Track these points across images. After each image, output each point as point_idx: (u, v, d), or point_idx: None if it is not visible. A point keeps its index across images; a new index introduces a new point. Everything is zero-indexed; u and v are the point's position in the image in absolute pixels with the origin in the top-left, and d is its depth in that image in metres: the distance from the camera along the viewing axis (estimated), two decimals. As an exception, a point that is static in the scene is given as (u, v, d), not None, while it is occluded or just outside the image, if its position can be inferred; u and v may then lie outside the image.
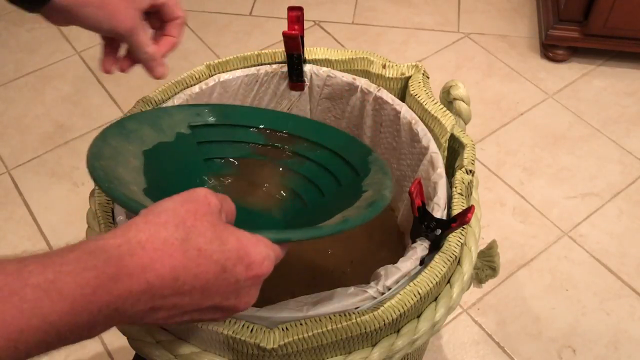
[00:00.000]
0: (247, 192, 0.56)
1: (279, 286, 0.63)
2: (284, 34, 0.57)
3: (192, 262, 0.31)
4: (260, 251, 0.34)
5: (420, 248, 0.47)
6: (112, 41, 0.50)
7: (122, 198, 0.39)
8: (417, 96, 0.58)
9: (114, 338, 0.90)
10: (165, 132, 0.52)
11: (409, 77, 0.60)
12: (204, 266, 0.31)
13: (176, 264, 0.30)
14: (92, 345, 0.90)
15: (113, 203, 0.51)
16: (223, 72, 0.61)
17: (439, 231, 0.47)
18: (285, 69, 0.62)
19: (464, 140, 0.54)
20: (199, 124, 0.55)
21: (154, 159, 0.48)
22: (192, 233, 0.31)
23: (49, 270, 0.28)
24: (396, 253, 0.51)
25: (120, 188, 0.40)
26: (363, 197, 0.46)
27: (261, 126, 0.57)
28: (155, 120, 0.52)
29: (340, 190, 0.52)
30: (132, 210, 0.37)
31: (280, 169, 0.56)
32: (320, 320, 0.43)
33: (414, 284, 0.45)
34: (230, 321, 0.43)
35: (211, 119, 0.56)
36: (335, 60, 0.62)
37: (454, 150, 0.56)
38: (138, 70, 0.53)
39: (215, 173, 0.56)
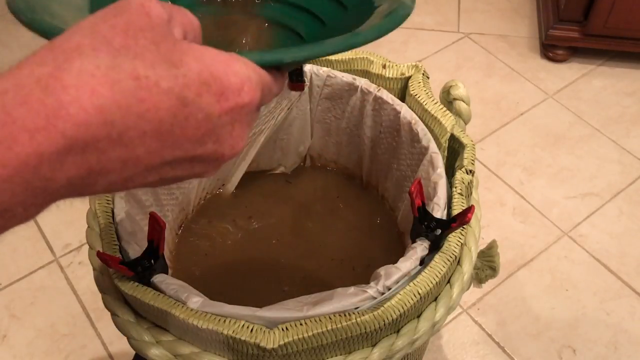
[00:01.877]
0: (222, 39, 0.44)
1: (277, 286, 0.63)
2: (284, 34, 0.57)
3: (130, 97, 0.22)
4: (236, 72, 0.25)
5: (420, 248, 0.47)
6: None
7: (46, 25, 0.29)
8: (417, 96, 0.58)
9: (114, 338, 0.90)
10: None
11: (409, 77, 0.60)
12: (150, 101, 0.22)
13: (104, 103, 0.21)
14: (92, 345, 0.90)
15: (113, 203, 0.51)
16: None
17: (439, 231, 0.47)
18: (285, 69, 0.62)
19: (464, 140, 0.54)
20: None
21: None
22: (123, 56, 0.22)
23: None
24: (396, 253, 0.51)
25: (53, 21, 0.30)
26: (376, 13, 0.37)
27: None
28: None
29: (347, 15, 0.41)
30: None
31: (256, 19, 0.45)
32: (320, 320, 0.43)
33: (414, 284, 0.45)
34: (230, 321, 0.43)
35: None
36: (335, 60, 0.62)
37: (454, 150, 0.56)
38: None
39: None
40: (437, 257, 0.47)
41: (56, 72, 0.21)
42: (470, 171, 0.53)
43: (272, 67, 0.28)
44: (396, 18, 0.34)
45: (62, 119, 0.20)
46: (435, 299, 0.49)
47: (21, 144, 0.20)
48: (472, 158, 0.54)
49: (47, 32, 0.28)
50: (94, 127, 0.21)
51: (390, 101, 0.59)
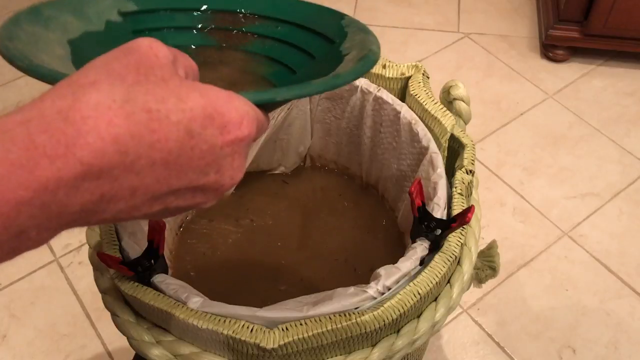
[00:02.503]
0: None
1: (277, 286, 0.63)
2: (284, 34, 0.57)
3: (143, 128, 0.23)
4: (236, 107, 0.27)
5: (420, 248, 0.47)
6: None
7: (50, 72, 0.31)
8: (417, 96, 0.58)
9: (114, 338, 0.90)
10: (91, 20, 0.43)
11: (409, 77, 0.60)
12: (161, 132, 0.24)
13: (119, 133, 0.23)
14: (92, 345, 0.90)
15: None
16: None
17: (439, 231, 0.47)
18: (285, 69, 0.62)
19: (464, 140, 0.54)
20: (130, 11, 0.46)
21: (83, 49, 0.41)
22: (136, 91, 0.24)
23: None
24: (396, 253, 0.50)
25: (44, 64, 0.33)
26: (346, 60, 0.40)
27: (205, 7, 0.48)
28: (76, 6, 0.43)
29: (315, 64, 0.45)
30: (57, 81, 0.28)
31: (238, 53, 0.48)
32: (320, 320, 0.43)
33: (414, 284, 0.45)
34: (230, 321, 0.43)
35: (145, 4, 0.47)
36: (335, 60, 0.62)
37: (454, 150, 0.56)
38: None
39: None
40: (437, 257, 0.47)
41: (76, 104, 0.22)
42: (470, 171, 0.53)
43: (263, 105, 0.30)
44: (369, 62, 0.38)
45: (81, 146, 0.22)
46: (435, 299, 0.49)
47: (42, 168, 0.21)
48: (472, 158, 0.54)
49: (48, 77, 0.31)
50: (109, 155, 0.23)
51: (390, 101, 0.59)
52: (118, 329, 0.48)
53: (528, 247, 1.01)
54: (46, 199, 0.22)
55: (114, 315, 0.48)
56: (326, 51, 0.45)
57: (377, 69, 0.61)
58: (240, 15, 0.49)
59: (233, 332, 0.42)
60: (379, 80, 0.61)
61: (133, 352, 0.55)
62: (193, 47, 0.48)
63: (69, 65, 0.37)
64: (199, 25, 0.49)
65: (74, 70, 0.31)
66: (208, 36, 0.48)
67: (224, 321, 0.43)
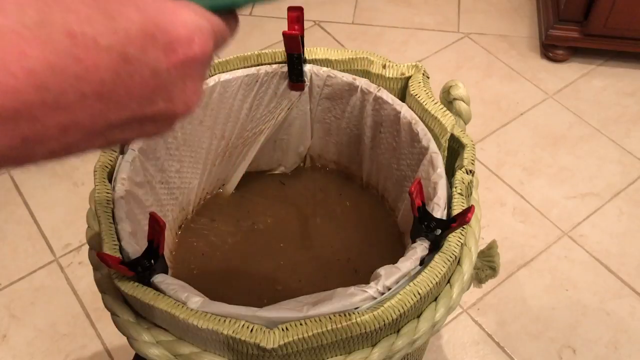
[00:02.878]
0: None
1: (276, 286, 0.63)
2: (284, 34, 0.57)
3: (65, 57, 0.19)
4: (184, 21, 0.22)
5: (420, 248, 0.47)
6: None
7: None
8: (417, 96, 0.58)
9: (114, 338, 0.90)
10: None
11: (409, 77, 0.60)
12: (88, 59, 0.20)
13: (34, 66, 0.18)
14: (92, 345, 0.90)
15: (113, 203, 0.51)
16: (223, 72, 0.61)
17: (439, 231, 0.47)
18: (285, 69, 0.62)
19: (464, 140, 0.54)
20: None
21: None
22: (54, 10, 0.19)
23: None
24: (396, 253, 0.50)
25: None
26: None
27: None
28: None
29: None
30: None
31: None
32: (320, 320, 0.43)
33: (414, 284, 0.45)
34: (230, 321, 0.43)
35: None
36: (335, 60, 0.62)
37: (454, 150, 0.56)
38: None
39: None
40: (437, 257, 0.47)
41: None
42: (470, 171, 0.53)
43: (224, 11, 0.25)
44: None
45: None
46: (435, 299, 0.49)
47: None
48: (472, 158, 0.54)
49: None
50: (25, 94, 0.19)
51: (390, 101, 0.59)
52: (118, 329, 0.48)
53: (528, 247, 1.01)
54: None
55: (114, 315, 0.48)
56: None
57: (377, 69, 0.61)
58: None
59: (233, 332, 0.42)
60: (379, 80, 0.61)
61: (133, 352, 0.55)
62: None
63: None
64: None
65: None
66: None
67: (224, 321, 0.43)
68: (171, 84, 0.23)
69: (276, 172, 0.74)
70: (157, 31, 0.21)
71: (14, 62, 0.18)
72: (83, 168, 1.14)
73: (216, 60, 0.61)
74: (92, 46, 0.20)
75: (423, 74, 0.60)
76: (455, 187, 0.51)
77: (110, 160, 0.54)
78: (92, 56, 0.20)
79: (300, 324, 0.43)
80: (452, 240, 0.48)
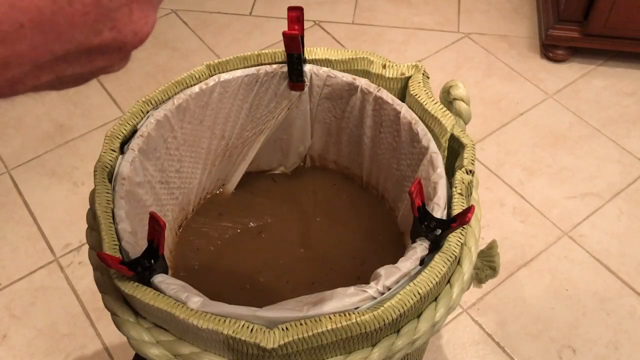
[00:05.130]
0: None
1: (276, 286, 0.63)
2: (284, 34, 0.57)
3: None
4: None
5: (420, 248, 0.47)
6: None
7: None
8: (417, 96, 0.58)
9: (114, 338, 0.90)
10: None
11: (409, 77, 0.60)
12: None
13: None
14: (92, 345, 0.90)
15: (113, 203, 0.51)
16: (223, 72, 0.61)
17: (439, 231, 0.47)
18: (285, 69, 0.62)
19: (464, 140, 0.54)
20: None
21: None
22: None
23: None
24: (396, 253, 0.51)
25: None
26: None
27: None
28: None
29: None
30: None
31: None
32: (320, 320, 0.43)
33: (414, 284, 0.45)
34: (230, 321, 0.43)
35: None
36: (335, 60, 0.62)
37: (454, 150, 0.56)
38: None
39: None
40: (437, 257, 0.47)
41: None
42: (470, 171, 0.53)
43: None
44: None
45: None
46: (435, 299, 0.49)
47: None
48: (472, 158, 0.54)
49: None
50: None
51: (390, 101, 0.59)
52: (118, 329, 0.48)
53: (528, 247, 1.01)
54: None
55: (114, 315, 0.48)
56: None
57: (377, 69, 0.61)
58: None
59: (233, 332, 0.42)
60: (379, 80, 0.61)
61: (133, 352, 0.55)
62: None
63: None
64: None
65: None
66: None
67: (224, 321, 0.43)
68: (115, 11, 0.22)
69: (276, 172, 0.74)
70: None
71: None
72: (83, 168, 1.14)
73: (216, 61, 0.61)
74: None
75: (423, 74, 0.60)
76: (455, 187, 0.51)
77: (110, 160, 0.54)
78: None
79: (300, 324, 0.43)
80: (452, 240, 0.48)
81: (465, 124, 0.58)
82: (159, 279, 0.46)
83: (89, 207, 0.53)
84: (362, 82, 0.61)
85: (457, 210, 0.50)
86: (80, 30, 0.21)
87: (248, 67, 0.62)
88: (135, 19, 0.23)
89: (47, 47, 0.21)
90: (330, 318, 0.43)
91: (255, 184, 0.72)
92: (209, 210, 0.70)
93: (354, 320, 0.43)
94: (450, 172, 0.55)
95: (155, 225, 0.44)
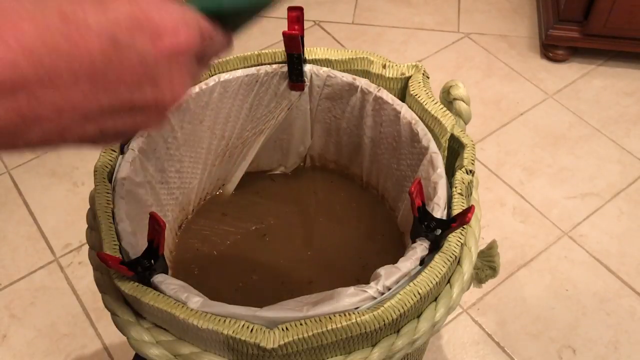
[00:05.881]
0: None
1: (276, 286, 0.63)
2: (284, 34, 0.57)
3: (59, 37, 0.20)
4: (169, 12, 0.24)
5: (420, 248, 0.47)
6: None
7: None
8: (417, 96, 0.58)
9: (114, 338, 0.90)
10: None
11: (409, 77, 0.60)
12: (81, 41, 0.21)
13: (29, 41, 0.20)
14: (92, 345, 0.90)
15: (113, 203, 0.51)
16: (223, 72, 0.61)
17: (439, 231, 0.47)
18: (285, 69, 0.62)
19: (464, 140, 0.54)
20: None
21: None
22: None
23: None
24: (396, 253, 0.51)
25: None
26: None
27: None
28: None
29: None
30: None
31: None
32: (320, 320, 0.43)
33: (414, 284, 0.45)
34: (230, 321, 0.43)
35: None
36: (335, 60, 0.62)
37: (454, 150, 0.56)
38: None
39: None
40: (437, 257, 0.47)
41: None
42: (470, 171, 0.53)
43: (214, 18, 0.27)
44: None
45: None
46: (435, 299, 0.49)
47: None
48: (472, 158, 0.54)
49: None
50: (22, 67, 0.20)
51: (390, 101, 0.59)
52: (118, 329, 0.48)
53: (528, 247, 1.01)
54: None
55: (114, 315, 0.48)
56: None
57: (377, 69, 0.61)
58: None
59: (233, 332, 0.42)
60: (379, 80, 0.61)
61: (133, 352, 0.55)
62: None
63: None
64: None
65: None
66: None
67: (224, 321, 0.43)
68: (158, 72, 0.24)
69: (276, 172, 0.74)
70: (145, 20, 0.23)
71: (11, 37, 0.19)
72: (83, 168, 1.14)
73: (216, 60, 0.61)
74: (83, 28, 0.21)
75: (423, 74, 0.60)
76: (455, 187, 0.51)
77: (110, 160, 0.54)
78: (83, 37, 0.21)
79: (300, 324, 0.43)
80: (452, 240, 0.48)
81: (465, 124, 0.58)
82: (159, 279, 0.46)
83: (89, 207, 0.53)
84: (362, 82, 0.61)
85: (457, 210, 0.50)
86: (126, 86, 0.23)
87: (248, 67, 0.62)
88: (174, 81, 0.25)
89: (96, 98, 0.23)
90: (330, 318, 0.43)
91: (255, 184, 0.72)
92: (209, 211, 0.70)
93: (354, 320, 0.43)
94: (450, 172, 0.55)
95: (155, 225, 0.44)
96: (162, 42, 0.23)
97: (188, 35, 0.24)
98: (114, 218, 0.50)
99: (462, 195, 0.51)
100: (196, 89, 0.59)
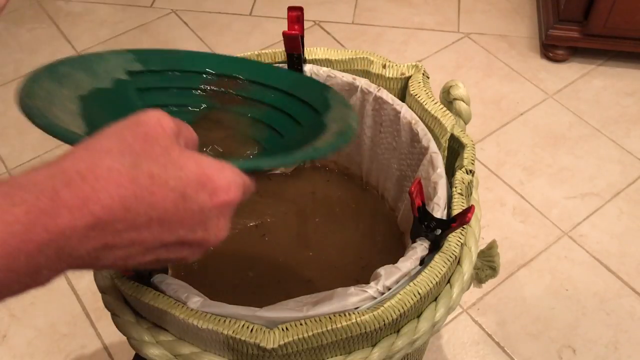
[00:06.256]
0: (201, 142, 0.51)
1: (276, 286, 0.63)
2: (284, 34, 0.57)
3: (145, 191, 0.28)
4: (225, 175, 0.31)
5: (420, 248, 0.47)
6: None
7: (62, 131, 0.36)
8: (417, 96, 0.58)
9: (114, 338, 0.90)
10: (101, 78, 0.48)
11: (409, 77, 0.60)
12: (160, 194, 0.28)
13: (126, 194, 0.27)
14: (92, 345, 0.90)
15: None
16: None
17: (439, 231, 0.47)
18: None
19: (464, 140, 0.54)
20: (136, 70, 0.51)
21: (92, 105, 0.45)
22: (142, 158, 0.28)
23: None
24: (396, 253, 0.51)
25: (59, 122, 0.38)
26: (328, 131, 0.44)
27: (206, 70, 0.54)
28: (88, 65, 0.48)
29: (301, 130, 0.49)
30: (73, 143, 0.34)
31: (232, 115, 0.53)
32: (320, 320, 0.43)
33: (414, 284, 0.45)
34: (230, 321, 0.43)
35: (150, 65, 0.52)
36: (335, 60, 0.62)
37: (454, 150, 0.56)
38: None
39: None
40: (437, 257, 0.47)
41: (92, 167, 0.27)
42: (470, 171, 0.53)
43: (250, 172, 0.34)
44: (346, 137, 0.42)
45: (94, 202, 0.26)
46: (435, 299, 0.49)
47: (62, 216, 0.26)
48: (472, 158, 0.54)
49: (62, 136, 0.36)
50: (116, 211, 0.27)
51: (390, 101, 0.59)
52: (118, 329, 0.48)
53: (528, 247, 1.01)
54: (61, 243, 0.26)
55: (114, 315, 0.48)
56: (312, 120, 0.49)
57: (377, 69, 0.61)
58: (238, 80, 0.54)
59: (233, 332, 0.42)
60: (379, 80, 0.61)
61: (133, 352, 0.55)
62: (190, 108, 0.52)
63: (78, 120, 0.42)
64: (199, 87, 0.53)
65: (83, 125, 0.41)
66: (206, 98, 0.53)
67: (224, 321, 0.43)
68: (210, 219, 0.31)
69: (276, 172, 0.74)
70: (207, 180, 0.30)
71: (113, 189, 0.27)
72: (83, 168, 1.14)
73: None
74: (164, 185, 0.28)
75: (423, 74, 0.60)
76: (455, 187, 0.51)
77: (110, 160, 0.54)
78: (162, 192, 0.28)
79: (300, 324, 0.43)
80: (452, 240, 0.48)
81: (465, 124, 0.58)
82: (158, 278, 0.46)
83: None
84: (362, 82, 0.61)
85: (457, 210, 0.50)
86: (184, 228, 0.30)
87: (248, 67, 0.62)
88: (220, 226, 0.32)
89: (160, 236, 0.29)
90: (330, 318, 0.43)
91: (255, 184, 0.72)
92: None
93: (354, 320, 0.43)
94: (450, 172, 0.55)
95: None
96: (217, 197, 0.30)
97: (236, 192, 0.31)
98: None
99: (462, 195, 0.51)
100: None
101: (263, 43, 1.37)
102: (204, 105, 0.53)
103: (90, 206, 0.26)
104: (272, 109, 0.52)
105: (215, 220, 0.31)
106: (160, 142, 0.29)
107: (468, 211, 0.44)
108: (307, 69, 0.62)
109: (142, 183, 0.27)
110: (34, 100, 0.39)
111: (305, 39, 0.60)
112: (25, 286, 0.26)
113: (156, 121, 0.30)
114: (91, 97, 0.46)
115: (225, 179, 0.31)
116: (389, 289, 0.45)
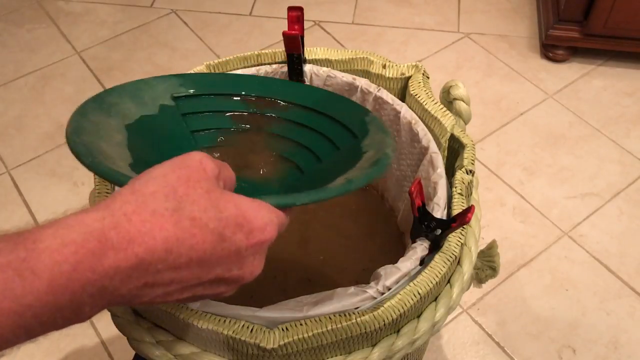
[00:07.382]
0: (240, 164, 0.53)
1: (276, 286, 0.63)
2: (284, 34, 0.57)
3: (186, 233, 0.29)
4: (262, 216, 0.32)
5: (420, 248, 0.47)
6: None
7: (108, 171, 0.37)
8: (417, 96, 0.58)
9: (114, 338, 0.90)
10: (147, 105, 0.49)
11: (409, 77, 0.60)
12: (200, 236, 0.29)
13: (168, 236, 0.28)
14: (92, 345, 0.90)
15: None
16: (223, 72, 0.61)
17: (439, 231, 0.47)
18: (285, 69, 0.62)
19: (464, 140, 0.54)
20: (182, 95, 0.52)
21: (138, 133, 0.46)
22: (185, 202, 0.30)
23: (21, 247, 0.26)
24: (396, 253, 0.51)
25: (105, 162, 0.39)
26: (364, 158, 0.44)
27: (247, 93, 0.55)
28: (135, 92, 0.49)
29: (339, 154, 0.50)
30: (119, 184, 0.35)
31: (272, 137, 0.54)
32: (320, 320, 0.43)
33: (414, 284, 0.45)
34: (230, 321, 0.43)
35: (194, 89, 0.53)
36: (335, 60, 0.62)
37: (454, 150, 0.56)
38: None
39: (204, 146, 0.53)
40: (437, 257, 0.47)
41: (138, 209, 0.28)
42: (470, 171, 0.53)
43: (284, 208, 0.35)
44: (381, 167, 0.41)
45: (138, 244, 0.28)
46: (435, 299, 0.49)
47: (108, 257, 0.27)
48: (472, 158, 0.54)
49: (108, 176, 0.37)
50: (158, 253, 0.28)
51: (390, 101, 0.59)
52: (118, 329, 0.48)
53: (528, 247, 1.01)
54: (105, 282, 0.27)
55: (113, 316, 0.48)
56: (349, 144, 0.49)
57: (377, 69, 0.61)
58: (277, 102, 0.55)
59: (233, 332, 0.42)
60: (379, 80, 0.61)
61: (133, 352, 0.55)
62: (231, 129, 0.54)
63: (125, 152, 0.43)
64: (239, 109, 0.54)
65: (129, 157, 0.42)
66: (246, 120, 0.54)
67: (224, 321, 0.43)
68: (245, 258, 0.32)
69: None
70: (244, 221, 0.31)
71: (157, 232, 0.28)
72: (83, 168, 1.13)
73: (216, 61, 0.61)
74: (204, 227, 0.29)
75: (423, 74, 0.60)
76: (455, 187, 0.51)
77: (110, 160, 0.54)
78: (202, 234, 0.29)
79: (300, 324, 0.43)
80: (452, 240, 0.48)
81: (465, 124, 0.58)
82: (159, 279, 0.46)
83: (89, 207, 0.53)
84: (362, 82, 0.61)
85: (457, 210, 0.50)
86: (221, 267, 0.31)
87: (248, 67, 0.62)
88: (255, 264, 0.33)
89: (198, 276, 0.30)
90: (330, 318, 0.43)
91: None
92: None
93: (354, 320, 0.43)
94: (450, 172, 0.55)
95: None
96: (253, 237, 0.32)
97: (272, 231, 0.33)
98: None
99: (462, 195, 0.51)
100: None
101: (263, 43, 1.37)
102: (244, 127, 0.54)
103: (135, 248, 0.27)
104: (311, 131, 0.53)
105: (251, 258, 0.32)
106: (202, 185, 0.31)
107: (468, 211, 0.44)
108: (307, 69, 0.62)
109: (183, 226, 0.29)
110: (82, 136, 0.40)
111: (305, 39, 0.60)
112: (67, 321, 0.27)
113: (198, 164, 0.31)
114: (137, 125, 0.47)
115: (262, 220, 0.32)
116: (389, 289, 0.45)
